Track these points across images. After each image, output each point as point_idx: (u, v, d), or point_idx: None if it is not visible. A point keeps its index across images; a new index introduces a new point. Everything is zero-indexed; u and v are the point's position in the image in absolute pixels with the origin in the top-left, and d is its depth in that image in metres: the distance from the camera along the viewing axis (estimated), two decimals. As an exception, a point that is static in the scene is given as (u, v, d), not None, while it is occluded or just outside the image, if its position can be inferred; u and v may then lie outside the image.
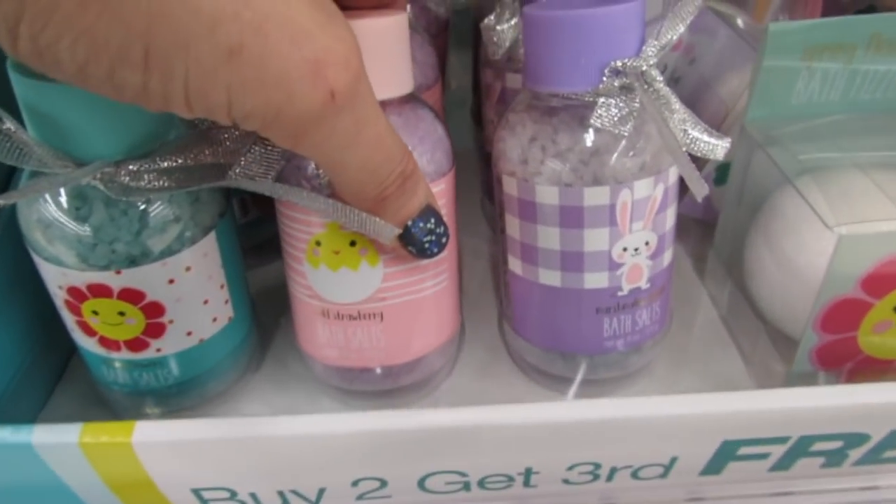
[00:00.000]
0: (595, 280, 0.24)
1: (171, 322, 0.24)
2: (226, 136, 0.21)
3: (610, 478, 0.23)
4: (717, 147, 0.22)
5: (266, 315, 0.32)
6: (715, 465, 0.23)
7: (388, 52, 0.22)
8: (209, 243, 0.24)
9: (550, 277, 0.25)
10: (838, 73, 0.27)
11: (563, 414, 0.20)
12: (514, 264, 0.26)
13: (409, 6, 0.33)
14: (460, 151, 0.26)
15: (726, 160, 0.26)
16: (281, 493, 0.23)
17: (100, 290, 0.23)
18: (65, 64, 0.15)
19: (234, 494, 0.23)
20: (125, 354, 0.25)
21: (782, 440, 0.21)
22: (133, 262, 0.23)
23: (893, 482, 0.25)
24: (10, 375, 0.27)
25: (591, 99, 0.22)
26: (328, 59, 0.16)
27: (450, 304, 0.27)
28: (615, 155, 0.22)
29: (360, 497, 0.23)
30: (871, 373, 0.26)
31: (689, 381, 0.28)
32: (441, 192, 0.24)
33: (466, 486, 0.23)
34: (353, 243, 0.23)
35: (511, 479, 0.23)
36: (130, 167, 0.21)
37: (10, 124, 0.19)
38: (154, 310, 0.24)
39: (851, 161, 0.26)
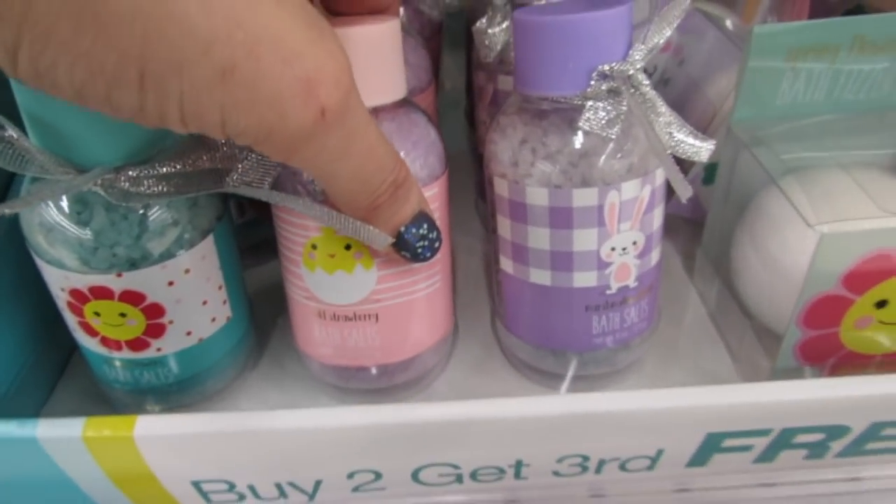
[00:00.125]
0: (584, 279, 0.25)
1: (171, 322, 0.25)
2: (222, 141, 0.21)
3: (598, 470, 0.23)
4: (701, 149, 0.22)
5: (263, 314, 0.32)
6: (700, 457, 0.23)
7: (381, 59, 0.22)
8: (207, 246, 0.25)
9: (541, 277, 0.25)
10: (822, 73, 0.27)
11: (551, 408, 0.20)
12: (506, 264, 0.27)
13: (401, 10, 0.33)
14: (455, 152, 0.27)
15: (713, 160, 0.27)
16: (278, 485, 0.23)
17: (101, 293, 0.23)
18: (63, 86, 0.15)
19: (232, 486, 0.23)
20: (126, 354, 0.25)
21: (765, 432, 0.22)
22: (133, 265, 0.23)
23: (876, 473, 0.26)
24: (15, 373, 0.27)
25: (579, 102, 0.22)
26: (319, 79, 0.16)
27: (443, 304, 0.27)
28: (603, 157, 0.23)
29: (355, 489, 0.24)
30: (853, 367, 0.26)
31: (677, 376, 0.29)
32: (434, 196, 0.24)
33: (459, 479, 0.23)
34: (348, 247, 0.24)
35: (502, 471, 0.23)
36: (130, 173, 0.21)
37: (12, 132, 0.20)
38: (154, 311, 0.24)
39: (835, 161, 0.26)
